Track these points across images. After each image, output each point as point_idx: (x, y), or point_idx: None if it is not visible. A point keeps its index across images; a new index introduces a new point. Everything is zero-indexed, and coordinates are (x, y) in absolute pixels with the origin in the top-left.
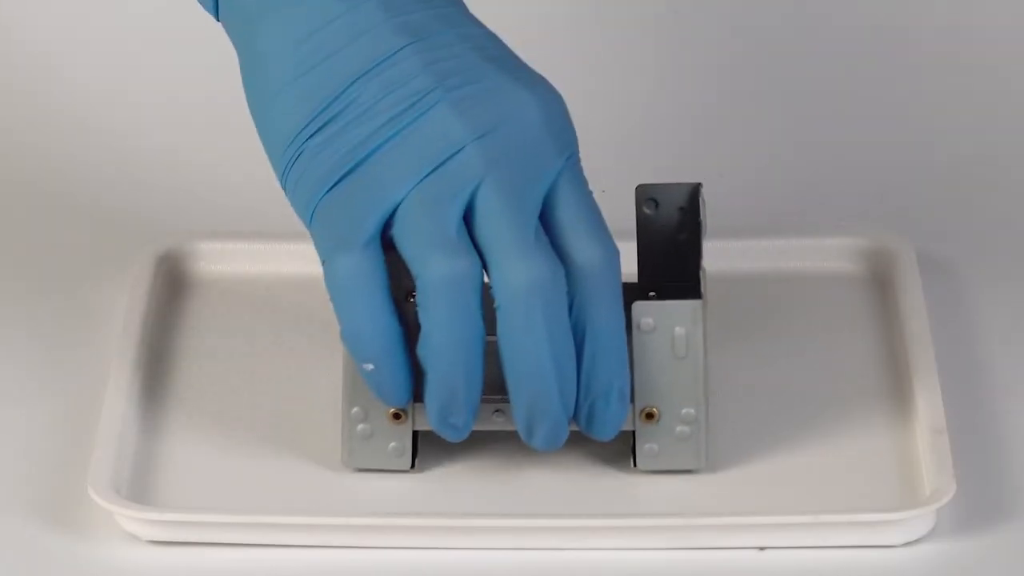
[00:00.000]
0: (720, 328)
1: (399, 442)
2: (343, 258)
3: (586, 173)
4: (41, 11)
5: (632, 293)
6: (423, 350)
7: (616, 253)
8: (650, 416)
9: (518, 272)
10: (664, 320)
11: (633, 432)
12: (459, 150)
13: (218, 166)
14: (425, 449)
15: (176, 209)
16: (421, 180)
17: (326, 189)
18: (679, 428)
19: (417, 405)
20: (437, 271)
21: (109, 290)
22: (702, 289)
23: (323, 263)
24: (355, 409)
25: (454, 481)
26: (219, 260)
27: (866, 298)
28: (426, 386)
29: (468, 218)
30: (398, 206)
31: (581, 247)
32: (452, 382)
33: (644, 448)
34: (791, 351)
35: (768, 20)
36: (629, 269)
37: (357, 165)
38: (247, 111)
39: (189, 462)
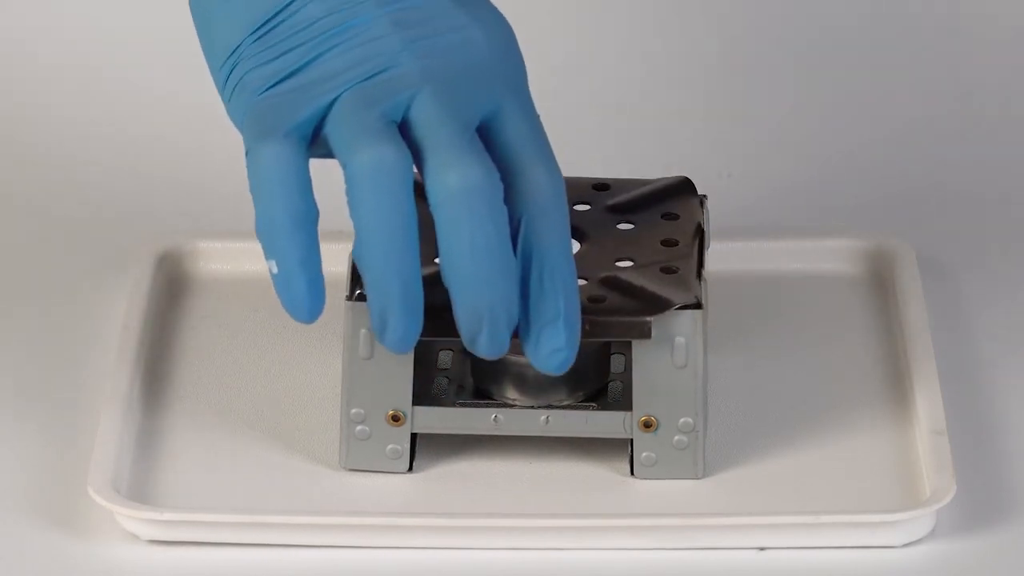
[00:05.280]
0: (720, 329)
1: (397, 444)
2: (265, 146)
3: (586, 172)
4: (42, 9)
5: None
6: (357, 250)
7: (562, 179)
8: (648, 425)
9: (452, 173)
10: (664, 329)
11: (631, 441)
12: (398, 65)
13: (218, 166)
14: (425, 449)
15: (176, 209)
16: (356, 84)
17: (261, 92)
18: (677, 437)
19: (417, 408)
20: (363, 158)
21: (109, 290)
22: (703, 299)
23: (247, 154)
24: (354, 410)
25: (453, 481)
26: (219, 260)
27: (866, 299)
28: (366, 289)
29: (403, 129)
30: (331, 105)
31: (527, 166)
32: (387, 283)
33: (642, 457)
34: (791, 352)
35: (770, 20)
36: None
37: (295, 72)
38: None
39: (189, 462)
